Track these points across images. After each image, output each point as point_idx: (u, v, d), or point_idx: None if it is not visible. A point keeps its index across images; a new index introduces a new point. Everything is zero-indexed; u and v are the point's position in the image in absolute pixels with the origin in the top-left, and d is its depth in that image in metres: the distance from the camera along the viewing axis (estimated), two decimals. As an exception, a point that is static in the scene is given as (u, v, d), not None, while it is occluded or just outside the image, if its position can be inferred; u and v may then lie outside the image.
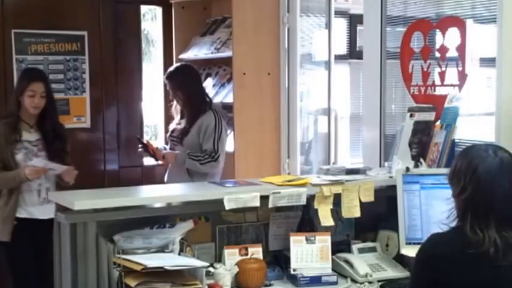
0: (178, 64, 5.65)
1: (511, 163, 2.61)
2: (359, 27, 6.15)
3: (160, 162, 5.22)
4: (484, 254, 2.50)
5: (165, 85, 5.65)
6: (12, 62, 5.76)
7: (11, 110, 4.67)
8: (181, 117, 5.30)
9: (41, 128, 4.69)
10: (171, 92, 5.28)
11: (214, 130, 5.05)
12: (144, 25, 7.23)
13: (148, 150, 5.14)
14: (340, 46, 6.16)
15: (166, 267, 2.92)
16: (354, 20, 6.28)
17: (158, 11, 6.82)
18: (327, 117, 5.44)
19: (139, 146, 5.19)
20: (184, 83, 5.21)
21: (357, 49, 6.25)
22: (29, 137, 4.65)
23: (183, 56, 6.24)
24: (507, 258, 2.49)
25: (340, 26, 6.20)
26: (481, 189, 2.55)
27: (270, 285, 3.36)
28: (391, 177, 3.73)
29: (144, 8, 6.80)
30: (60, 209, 3.17)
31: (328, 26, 5.40)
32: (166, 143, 5.47)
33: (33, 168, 4.45)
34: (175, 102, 5.34)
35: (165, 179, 5.31)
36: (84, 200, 3.12)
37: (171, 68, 5.44)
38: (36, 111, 4.63)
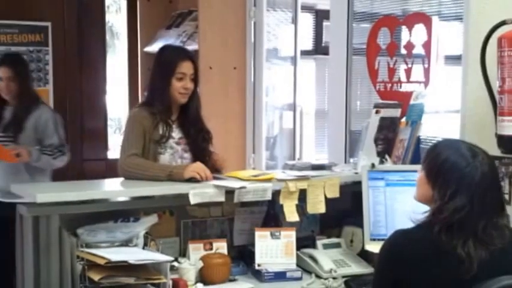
0: (12, 53, 5.42)
1: (495, 167, 2.61)
2: (325, 23, 6.15)
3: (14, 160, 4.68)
4: (453, 256, 2.50)
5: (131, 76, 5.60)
6: (-25, 52, 5.69)
7: (161, 97, 3.79)
8: None
9: (183, 122, 3.90)
10: (4, 82, 4.86)
11: (55, 124, 4.88)
12: (108, 17, 7.18)
13: None
14: (306, 41, 6.15)
15: (130, 261, 2.89)
16: (320, 16, 6.28)
17: (123, 3, 6.79)
18: (292, 112, 5.44)
19: None
20: (22, 74, 4.94)
21: (323, 45, 6.24)
22: (173, 133, 3.86)
23: (148, 48, 6.21)
24: (475, 260, 2.50)
25: (306, 21, 6.19)
26: (476, 197, 2.51)
27: (235, 280, 3.35)
28: (356, 173, 3.73)
29: (108, 0, 6.74)
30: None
31: (295, 21, 5.40)
32: None
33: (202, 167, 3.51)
34: None
35: None
36: (47, 193, 3.07)
37: (7, 55, 5.19)
38: (185, 99, 3.83)
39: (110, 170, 6.08)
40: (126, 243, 3.15)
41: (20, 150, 4.66)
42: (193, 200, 3.30)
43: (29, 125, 4.80)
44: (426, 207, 2.65)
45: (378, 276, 2.71)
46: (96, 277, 2.87)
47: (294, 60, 5.40)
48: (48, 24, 5.96)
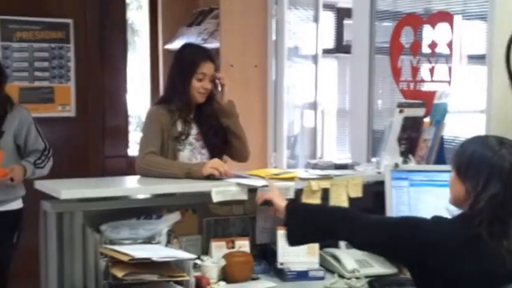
0: None
1: None
2: (346, 21, 6.13)
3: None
4: (491, 250, 2.48)
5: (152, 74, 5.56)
6: (-3, 48, 5.71)
7: (181, 95, 3.82)
8: None
9: (199, 118, 3.93)
10: None
11: (35, 126, 4.46)
12: (129, 14, 7.19)
13: None
14: (328, 40, 6.13)
15: (153, 259, 2.88)
16: (342, 14, 6.25)
17: (144, 0, 6.79)
18: (314, 111, 5.43)
19: None
20: None
21: (344, 43, 6.22)
22: (191, 130, 3.91)
23: (169, 46, 6.21)
24: None
25: (328, 19, 6.17)
26: (509, 185, 2.50)
27: (257, 278, 3.34)
28: (379, 172, 3.71)
29: (129, -3, 6.78)
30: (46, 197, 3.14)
31: (316, 19, 5.39)
32: None
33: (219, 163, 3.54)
34: None
35: None
36: (71, 189, 3.08)
37: None
38: (203, 98, 3.86)
39: (131, 167, 6.09)
40: (148, 240, 3.14)
41: (14, 172, 4.22)
42: (215, 198, 3.31)
43: (8, 129, 4.32)
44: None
45: (386, 239, 2.67)
46: (119, 274, 2.86)
47: (315, 58, 5.40)
48: (70, 21, 5.97)
